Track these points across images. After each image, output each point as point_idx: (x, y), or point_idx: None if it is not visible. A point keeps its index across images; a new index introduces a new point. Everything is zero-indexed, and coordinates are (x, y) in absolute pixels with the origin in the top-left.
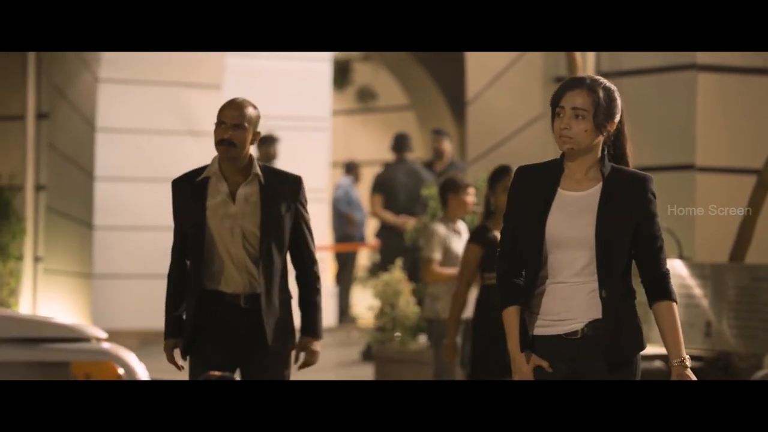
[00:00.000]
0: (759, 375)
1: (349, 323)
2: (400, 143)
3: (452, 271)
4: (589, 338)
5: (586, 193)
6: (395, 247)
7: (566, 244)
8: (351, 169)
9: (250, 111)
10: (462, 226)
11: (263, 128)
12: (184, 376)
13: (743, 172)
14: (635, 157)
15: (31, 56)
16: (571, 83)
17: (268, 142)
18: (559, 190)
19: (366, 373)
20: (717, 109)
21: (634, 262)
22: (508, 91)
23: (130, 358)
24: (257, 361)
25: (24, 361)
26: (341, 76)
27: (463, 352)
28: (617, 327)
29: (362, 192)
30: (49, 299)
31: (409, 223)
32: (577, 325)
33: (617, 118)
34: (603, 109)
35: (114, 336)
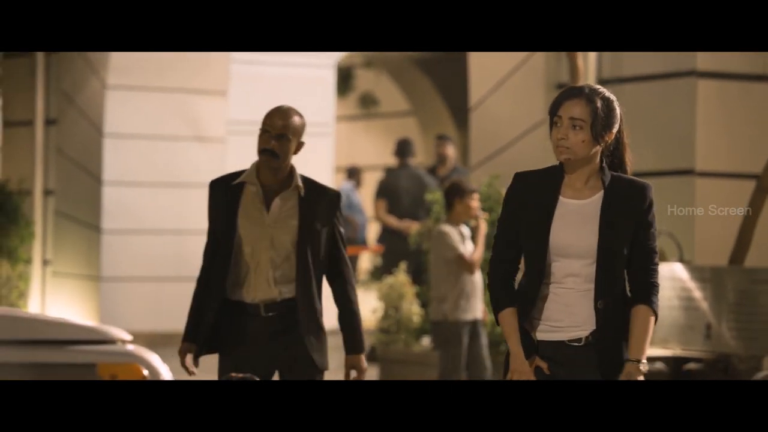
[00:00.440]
0: (758, 376)
1: None
2: (403, 149)
3: (478, 254)
4: (590, 346)
5: (587, 201)
6: (399, 250)
7: (570, 253)
8: (353, 174)
9: (295, 121)
10: (466, 230)
11: None
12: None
13: (743, 177)
14: (636, 162)
15: (40, 63)
16: (569, 92)
17: None
18: (561, 198)
19: (370, 373)
20: (717, 115)
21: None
22: (510, 97)
23: (154, 359)
24: (292, 372)
25: (51, 363)
26: (344, 82)
27: (469, 352)
28: (613, 336)
29: (364, 196)
30: (57, 302)
31: (412, 227)
32: (582, 332)
33: (615, 128)
34: (601, 120)
35: None
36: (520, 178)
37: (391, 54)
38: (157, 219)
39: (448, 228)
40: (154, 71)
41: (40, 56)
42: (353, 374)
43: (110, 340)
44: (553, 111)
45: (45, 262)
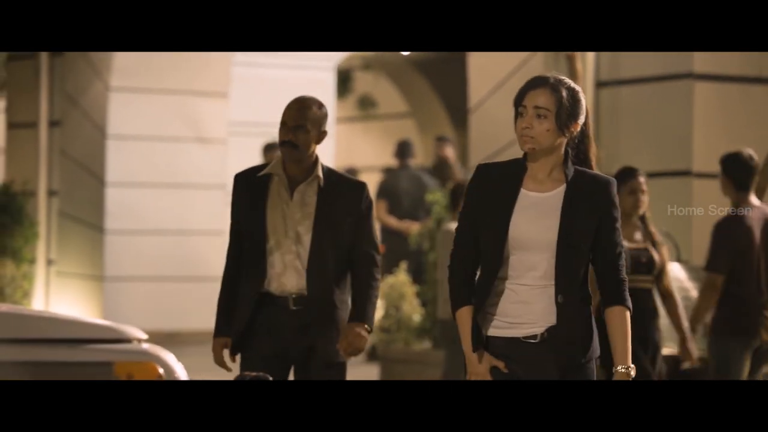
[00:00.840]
0: (760, 375)
1: None
2: (403, 150)
3: None
4: (546, 342)
5: (549, 194)
6: (399, 251)
7: (528, 246)
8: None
9: (313, 111)
10: None
11: (268, 136)
12: (197, 375)
13: None
14: (634, 162)
15: (44, 66)
16: (534, 82)
17: (272, 149)
18: (522, 190)
19: (371, 373)
20: (714, 117)
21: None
22: (509, 99)
23: (170, 358)
24: (310, 367)
25: (68, 362)
26: (342, 84)
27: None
28: (570, 334)
29: None
30: (61, 301)
31: (412, 227)
32: (538, 329)
33: (581, 120)
34: (566, 109)
35: None
36: (482, 169)
37: (390, 56)
38: (159, 219)
39: (454, 226)
40: (157, 74)
41: (44, 59)
42: (344, 345)
43: (126, 339)
44: (518, 101)
45: (49, 262)
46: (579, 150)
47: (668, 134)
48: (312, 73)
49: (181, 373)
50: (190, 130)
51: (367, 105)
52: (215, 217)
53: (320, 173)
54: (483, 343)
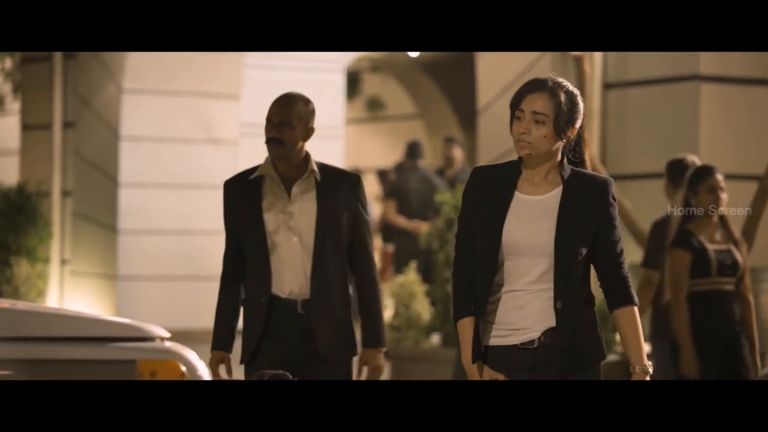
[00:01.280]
0: (761, 374)
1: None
2: (412, 151)
3: None
4: (546, 346)
5: (545, 197)
6: (409, 250)
7: (523, 251)
8: None
9: (298, 107)
10: None
11: None
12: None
13: (745, 179)
14: (640, 163)
15: (58, 68)
16: (532, 85)
17: None
18: (517, 194)
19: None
20: (719, 118)
21: (593, 267)
22: None
23: (192, 356)
24: (313, 369)
25: (91, 360)
26: (351, 86)
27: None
28: (573, 337)
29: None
30: (75, 300)
31: (422, 227)
32: (534, 334)
33: (578, 124)
34: (564, 115)
35: None
36: (477, 172)
37: (398, 58)
38: (171, 219)
39: None
40: (169, 76)
41: (57, 61)
42: (365, 372)
43: (149, 337)
44: (516, 104)
45: (63, 262)
46: (575, 153)
47: (674, 135)
48: (322, 75)
49: (203, 371)
50: (201, 132)
51: (375, 106)
52: None
53: (315, 168)
54: (482, 355)
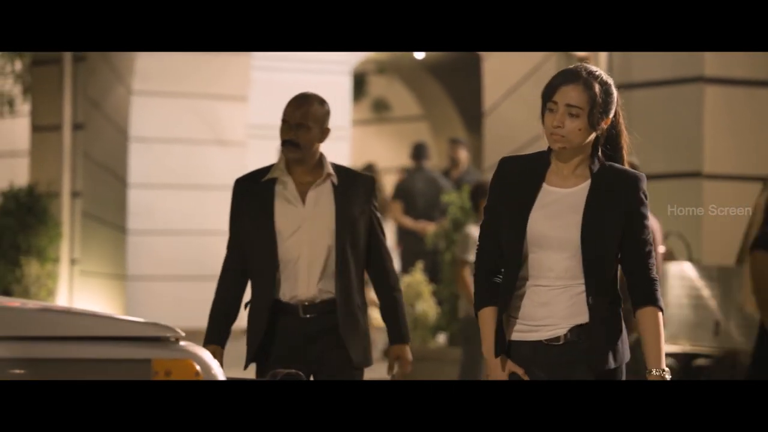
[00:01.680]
0: None
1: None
2: (418, 152)
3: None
4: (572, 344)
5: (573, 190)
6: (415, 250)
7: (548, 244)
8: None
9: (314, 108)
10: None
11: None
12: None
13: (749, 179)
14: (645, 164)
15: (68, 70)
16: (566, 76)
17: None
18: (544, 186)
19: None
20: (723, 119)
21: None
22: (523, 103)
23: (206, 355)
24: (338, 373)
25: (106, 359)
26: (357, 88)
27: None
28: (602, 336)
29: None
30: (84, 299)
31: (428, 228)
32: (560, 330)
33: (612, 114)
34: (599, 106)
35: None
36: (504, 163)
37: (403, 60)
38: (180, 220)
39: (473, 229)
40: (177, 77)
41: (67, 64)
42: (397, 366)
43: (164, 336)
44: (548, 95)
45: (73, 261)
46: (610, 140)
47: (679, 136)
48: (328, 77)
49: (218, 371)
50: (210, 133)
51: (381, 108)
52: None
53: (331, 170)
54: (505, 349)
